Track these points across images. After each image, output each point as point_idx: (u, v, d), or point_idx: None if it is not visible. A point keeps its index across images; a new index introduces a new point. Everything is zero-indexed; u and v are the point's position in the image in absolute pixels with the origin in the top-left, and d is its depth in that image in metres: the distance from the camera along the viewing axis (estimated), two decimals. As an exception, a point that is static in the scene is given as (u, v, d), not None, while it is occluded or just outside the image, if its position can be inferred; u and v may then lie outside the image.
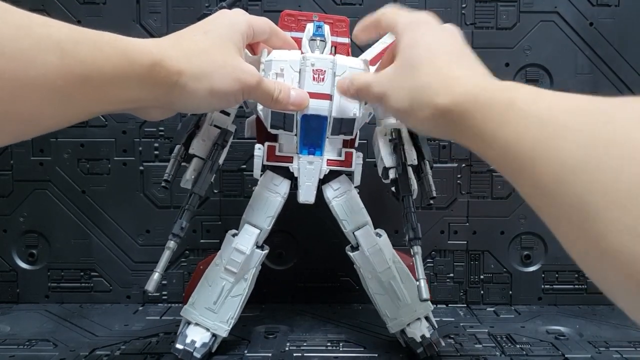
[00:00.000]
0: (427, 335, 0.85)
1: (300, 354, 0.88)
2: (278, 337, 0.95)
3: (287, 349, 0.90)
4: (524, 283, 1.12)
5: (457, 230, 1.12)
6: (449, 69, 0.60)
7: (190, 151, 0.83)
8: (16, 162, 1.10)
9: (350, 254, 0.87)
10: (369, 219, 0.86)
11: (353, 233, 0.85)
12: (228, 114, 0.87)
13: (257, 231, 0.85)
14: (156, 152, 1.10)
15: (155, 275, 0.76)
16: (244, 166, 1.10)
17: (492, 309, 1.10)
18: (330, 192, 0.85)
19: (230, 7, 0.86)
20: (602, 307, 1.11)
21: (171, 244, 0.78)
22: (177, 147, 0.83)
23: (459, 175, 1.11)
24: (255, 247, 0.85)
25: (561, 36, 1.09)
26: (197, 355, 0.82)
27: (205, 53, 0.67)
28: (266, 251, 0.87)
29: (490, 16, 1.09)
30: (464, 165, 1.11)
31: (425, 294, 0.72)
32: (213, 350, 0.86)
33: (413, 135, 0.85)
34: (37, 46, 0.49)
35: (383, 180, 0.85)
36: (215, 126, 0.85)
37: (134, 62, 0.58)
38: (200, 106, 0.71)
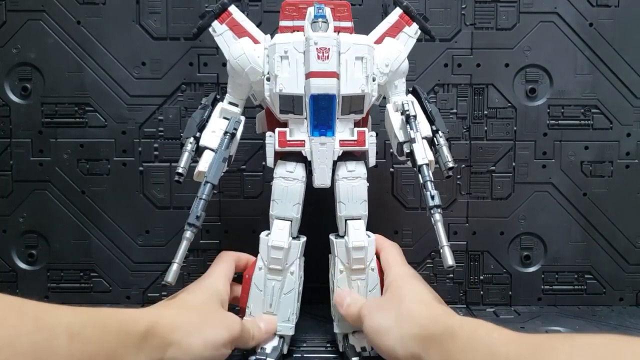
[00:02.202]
0: (368, 349, 0.83)
1: (300, 355, 0.88)
2: (278, 337, 0.95)
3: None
4: (524, 284, 1.12)
5: (457, 231, 1.12)
6: (431, 304, 0.73)
7: (201, 143, 0.83)
8: (16, 162, 1.10)
9: (334, 239, 0.85)
10: (366, 214, 0.84)
11: (346, 220, 0.84)
12: (237, 105, 0.88)
13: (288, 223, 0.83)
14: (156, 153, 1.10)
15: (174, 266, 0.76)
16: (244, 167, 1.10)
17: (492, 309, 1.10)
18: (343, 171, 0.83)
19: (231, 2, 0.86)
20: (601, 307, 1.11)
21: (188, 233, 0.78)
22: (189, 140, 0.83)
23: (458, 176, 1.11)
24: (291, 239, 0.84)
25: (561, 37, 1.09)
26: None
27: (195, 309, 0.74)
28: (304, 239, 0.86)
29: (490, 17, 1.09)
30: (463, 165, 1.11)
31: (451, 261, 0.71)
32: (285, 352, 0.85)
33: (425, 109, 0.85)
34: (50, 336, 0.53)
35: (399, 158, 0.84)
36: (225, 118, 0.85)
37: (131, 332, 0.63)
38: None
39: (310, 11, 0.82)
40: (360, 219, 0.84)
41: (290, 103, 0.80)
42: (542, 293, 1.12)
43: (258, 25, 1.05)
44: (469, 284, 1.12)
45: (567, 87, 1.10)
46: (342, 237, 0.85)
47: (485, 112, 1.10)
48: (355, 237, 0.83)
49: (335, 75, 0.79)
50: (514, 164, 1.11)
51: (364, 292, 0.84)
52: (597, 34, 1.09)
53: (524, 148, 1.10)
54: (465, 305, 1.12)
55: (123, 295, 1.12)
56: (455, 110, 1.10)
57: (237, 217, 1.10)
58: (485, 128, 1.10)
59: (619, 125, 1.10)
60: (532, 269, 1.12)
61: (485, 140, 1.10)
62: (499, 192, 1.11)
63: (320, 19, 0.81)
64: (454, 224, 1.12)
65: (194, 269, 1.11)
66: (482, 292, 1.13)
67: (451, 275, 1.12)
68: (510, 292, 1.13)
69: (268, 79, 0.81)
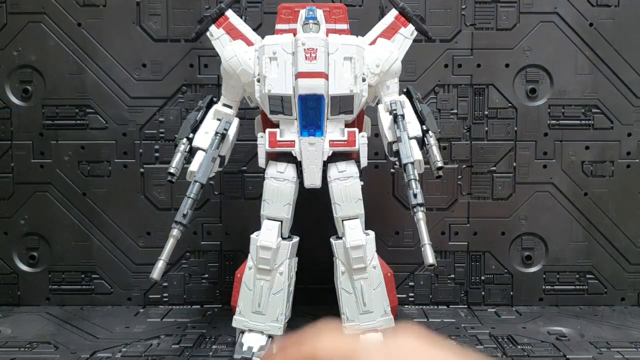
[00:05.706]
0: None
1: (301, 356, 0.88)
2: (279, 338, 0.95)
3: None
4: (525, 284, 1.12)
5: (458, 231, 1.12)
6: None
7: (194, 144, 0.84)
8: (17, 164, 1.10)
9: (333, 241, 0.85)
10: (363, 212, 0.84)
11: (342, 221, 0.84)
12: (231, 107, 0.88)
13: (277, 223, 0.84)
14: (156, 154, 1.10)
15: (160, 263, 0.77)
16: (245, 168, 1.10)
17: (493, 309, 1.10)
18: (334, 172, 0.84)
19: (228, 7, 0.87)
20: (603, 307, 1.11)
21: (175, 231, 0.79)
22: (182, 141, 0.84)
23: (459, 177, 1.11)
24: (280, 239, 0.84)
25: (561, 37, 1.09)
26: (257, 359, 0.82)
27: None
28: (295, 240, 0.86)
29: (490, 17, 1.09)
30: (464, 166, 1.11)
31: (432, 259, 0.71)
32: (274, 352, 0.85)
33: (416, 109, 0.85)
34: None
35: (390, 158, 0.84)
36: (218, 120, 0.86)
37: None
38: None
39: (302, 13, 0.83)
40: (356, 218, 0.84)
41: (280, 103, 0.81)
42: (543, 293, 1.12)
43: (258, 27, 1.06)
44: (470, 285, 1.12)
45: (567, 87, 1.10)
46: (341, 238, 0.85)
47: (486, 113, 1.10)
48: (352, 237, 0.83)
49: (323, 75, 0.79)
50: (514, 164, 1.11)
51: (369, 294, 0.84)
52: (597, 34, 1.09)
53: (524, 148, 1.10)
54: (466, 306, 1.12)
55: (124, 296, 1.12)
56: (455, 111, 1.10)
57: (238, 219, 1.10)
58: (486, 128, 1.10)
59: (619, 125, 1.10)
60: (533, 269, 1.12)
61: (485, 141, 1.10)
62: (500, 193, 1.11)
63: (311, 21, 0.82)
64: (455, 225, 1.12)
65: (195, 270, 1.11)
66: (483, 293, 1.12)
67: (452, 276, 1.12)
68: (511, 293, 1.12)
69: (258, 80, 0.82)
